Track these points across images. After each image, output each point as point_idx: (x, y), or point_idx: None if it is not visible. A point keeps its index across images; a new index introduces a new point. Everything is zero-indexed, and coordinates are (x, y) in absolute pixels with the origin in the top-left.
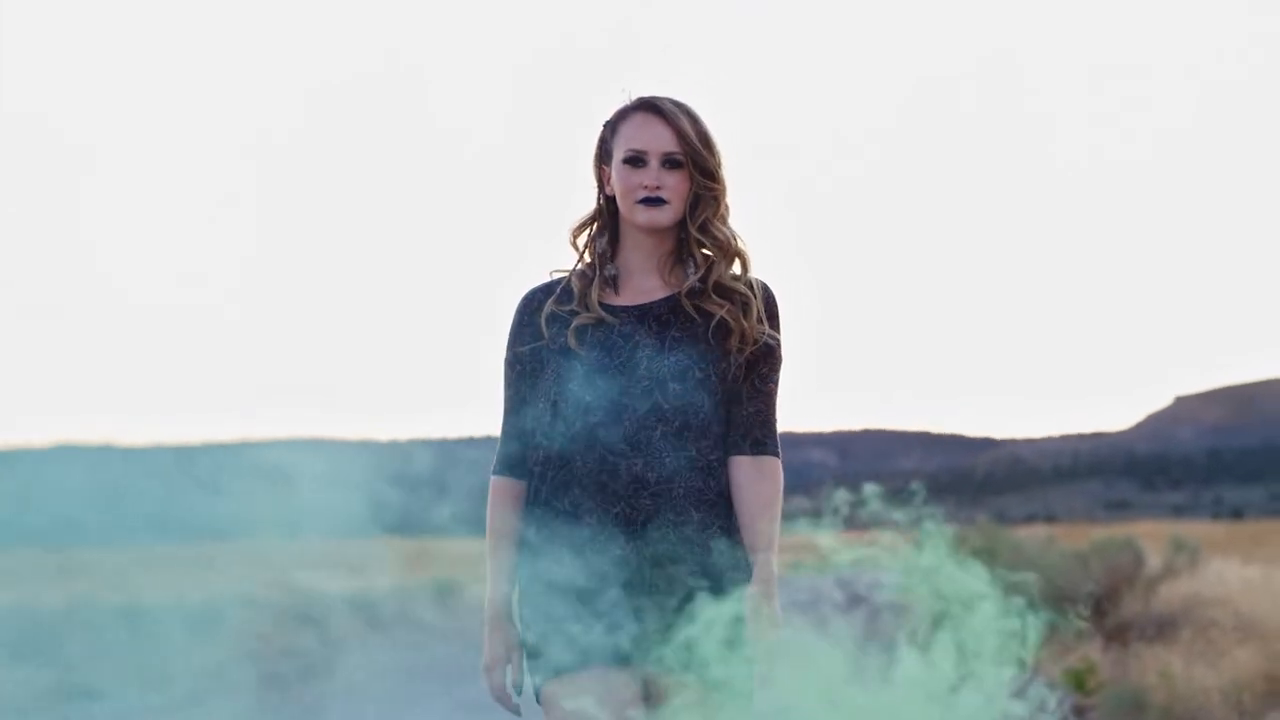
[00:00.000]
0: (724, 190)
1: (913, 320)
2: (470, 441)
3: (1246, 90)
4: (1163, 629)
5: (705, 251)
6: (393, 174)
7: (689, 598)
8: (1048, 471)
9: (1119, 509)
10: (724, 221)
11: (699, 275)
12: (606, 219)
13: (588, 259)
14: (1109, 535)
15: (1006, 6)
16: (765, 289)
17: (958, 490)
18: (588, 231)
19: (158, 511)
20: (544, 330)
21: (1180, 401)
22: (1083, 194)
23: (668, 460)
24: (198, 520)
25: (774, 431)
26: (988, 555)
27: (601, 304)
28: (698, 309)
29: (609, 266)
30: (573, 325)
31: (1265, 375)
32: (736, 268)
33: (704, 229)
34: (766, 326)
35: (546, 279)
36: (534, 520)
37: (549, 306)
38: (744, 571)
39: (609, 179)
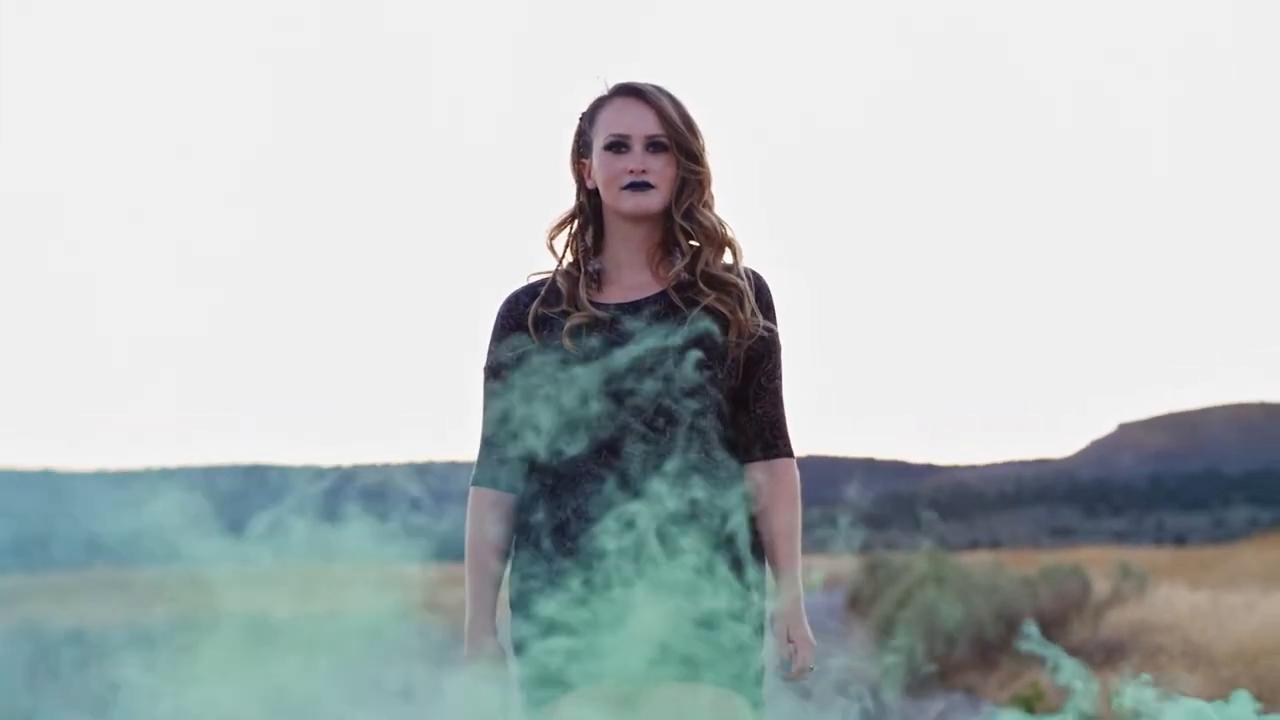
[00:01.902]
0: (709, 175)
1: (855, 345)
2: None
3: (1198, 123)
4: (1111, 655)
5: (692, 241)
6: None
7: (701, 609)
8: (992, 498)
9: (1063, 535)
10: (710, 208)
11: (685, 265)
12: (589, 215)
13: (570, 258)
14: (1055, 561)
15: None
16: (758, 279)
17: (901, 516)
18: (567, 230)
19: (98, 534)
20: (533, 334)
21: (1123, 428)
22: (1023, 224)
23: (674, 464)
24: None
25: (785, 431)
26: (936, 582)
27: (594, 302)
28: (689, 302)
29: (594, 262)
30: (567, 326)
31: (1207, 403)
32: (727, 257)
33: (689, 215)
34: (762, 318)
35: (525, 283)
36: (530, 535)
37: (536, 309)
38: (752, 587)
39: (589, 172)
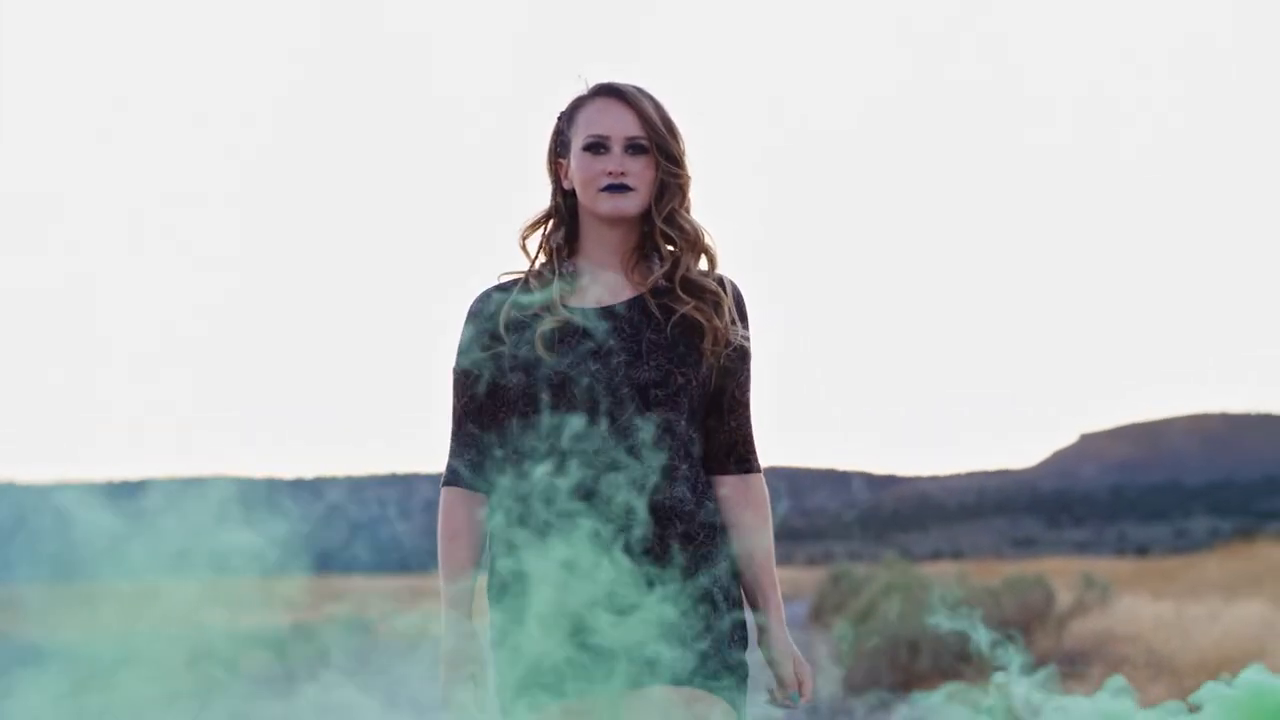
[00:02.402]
0: (689, 179)
1: (817, 356)
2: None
3: (1175, 135)
4: (1075, 665)
5: (670, 247)
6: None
7: (684, 620)
8: (954, 508)
9: (1025, 546)
10: (689, 213)
11: (664, 272)
12: (564, 216)
13: (543, 259)
14: (1018, 572)
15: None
16: (735, 287)
17: (864, 527)
18: (541, 230)
19: (58, 550)
20: (504, 336)
21: (1085, 439)
22: (987, 237)
23: (648, 472)
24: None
25: (754, 445)
26: (901, 591)
27: (566, 306)
28: (666, 309)
29: (567, 264)
30: (539, 330)
31: (1169, 413)
32: (704, 264)
33: (670, 220)
34: (741, 327)
35: (495, 282)
36: (502, 546)
37: (507, 310)
38: (731, 598)
39: (566, 172)
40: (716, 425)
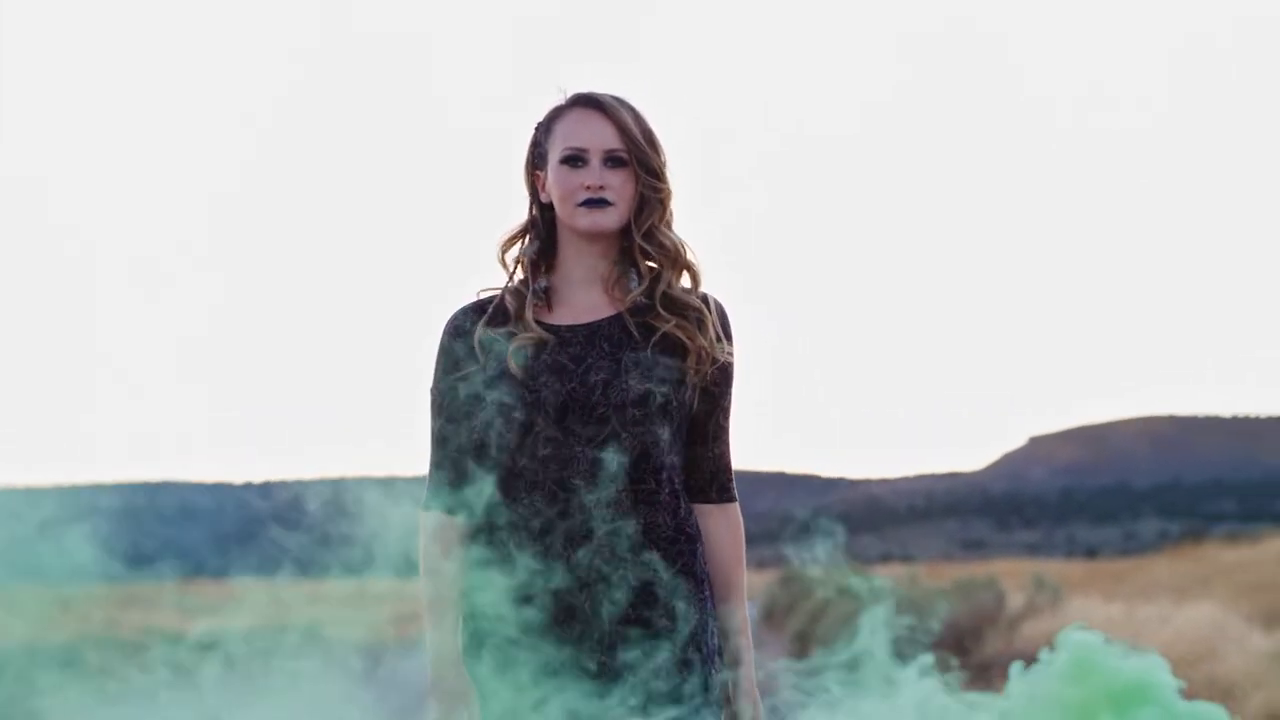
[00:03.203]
0: (670, 193)
1: (765, 358)
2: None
3: (1131, 144)
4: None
5: (650, 263)
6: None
7: (653, 650)
8: (903, 511)
9: (974, 548)
10: (670, 227)
11: (643, 289)
12: (541, 230)
13: (520, 275)
14: (968, 574)
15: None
16: (719, 305)
17: (814, 530)
18: (519, 244)
19: None
20: (478, 355)
21: (1034, 441)
22: (935, 240)
23: (623, 493)
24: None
25: (731, 474)
26: (849, 595)
27: (542, 323)
28: (646, 326)
29: (541, 279)
30: (512, 348)
31: (1118, 416)
32: (686, 281)
33: (650, 236)
34: (726, 345)
35: (473, 299)
36: (477, 567)
37: (481, 329)
38: (708, 629)
39: (544, 185)
40: (701, 452)
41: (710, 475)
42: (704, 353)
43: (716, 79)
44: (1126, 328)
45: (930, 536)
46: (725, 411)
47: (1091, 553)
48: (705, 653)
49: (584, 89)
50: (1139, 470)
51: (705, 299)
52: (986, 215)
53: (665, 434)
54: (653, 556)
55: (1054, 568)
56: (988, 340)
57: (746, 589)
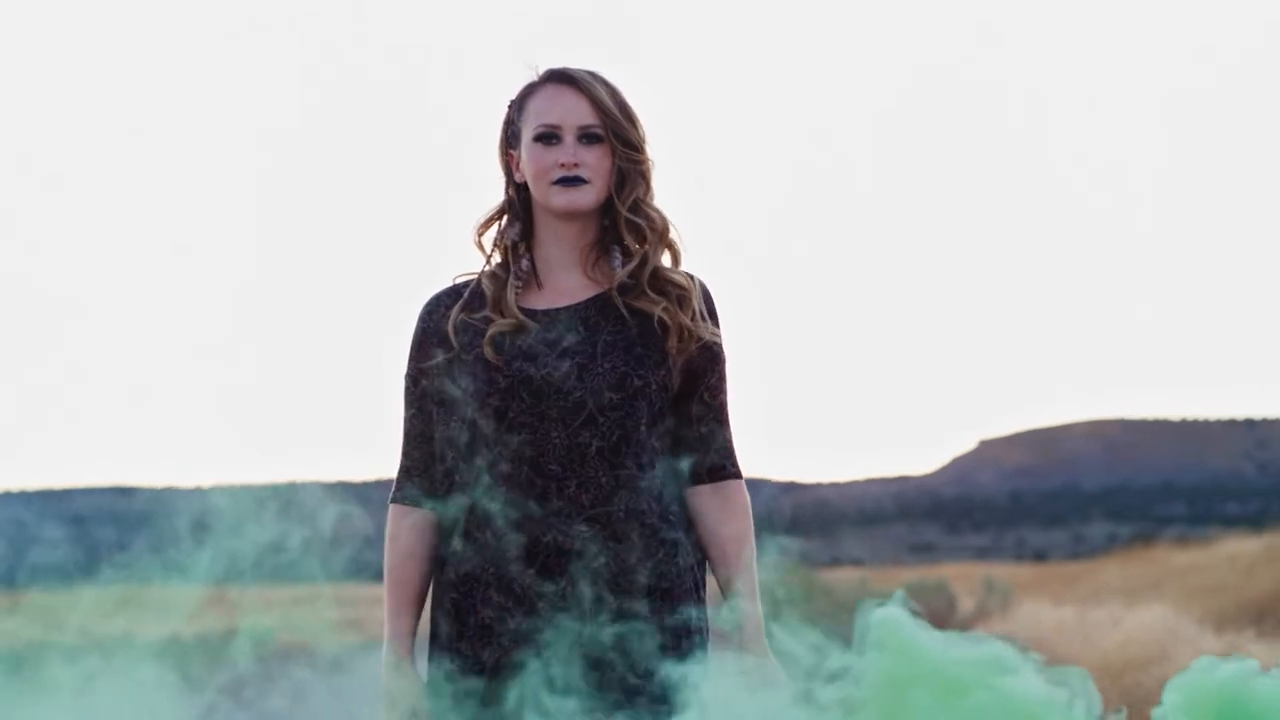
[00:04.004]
0: (650, 167)
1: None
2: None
3: (1072, 152)
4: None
5: (635, 239)
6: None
7: (641, 645)
8: (853, 515)
9: (924, 552)
10: (651, 203)
11: (631, 268)
12: (518, 210)
13: (498, 258)
14: (918, 577)
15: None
16: (703, 284)
17: (762, 534)
18: (496, 226)
19: None
20: (453, 341)
21: (984, 445)
22: (883, 241)
23: (604, 479)
24: None
25: (733, 451)
26: (802, 599)
27: (521, 307)
28: (628, 307)
29: (522, 261)
30: (488, 333)
31: (1067, 419)
32: (666, 258)
33: (636, 209)
34: (709, 324)
35: (450, 284)
36: (455, 567)
37: (457, 313)
38: (695, 607)
39: (518, 165)
40: (688, 433)
41: (700, 455)
42: (686, 331)
43: (712, 83)
44: (1075, 331)
45: (880, 540)
46: (712, 391)
47: (1041, 556)
48: (686, 645)
49: (557, 65)
50: (1088, 473)
51: (690, 277)
52: (934, 218)
53: (645, 417)
54: (636, 542)
55: (1004, 571)
56: (937, 344)
57: (755, 573)
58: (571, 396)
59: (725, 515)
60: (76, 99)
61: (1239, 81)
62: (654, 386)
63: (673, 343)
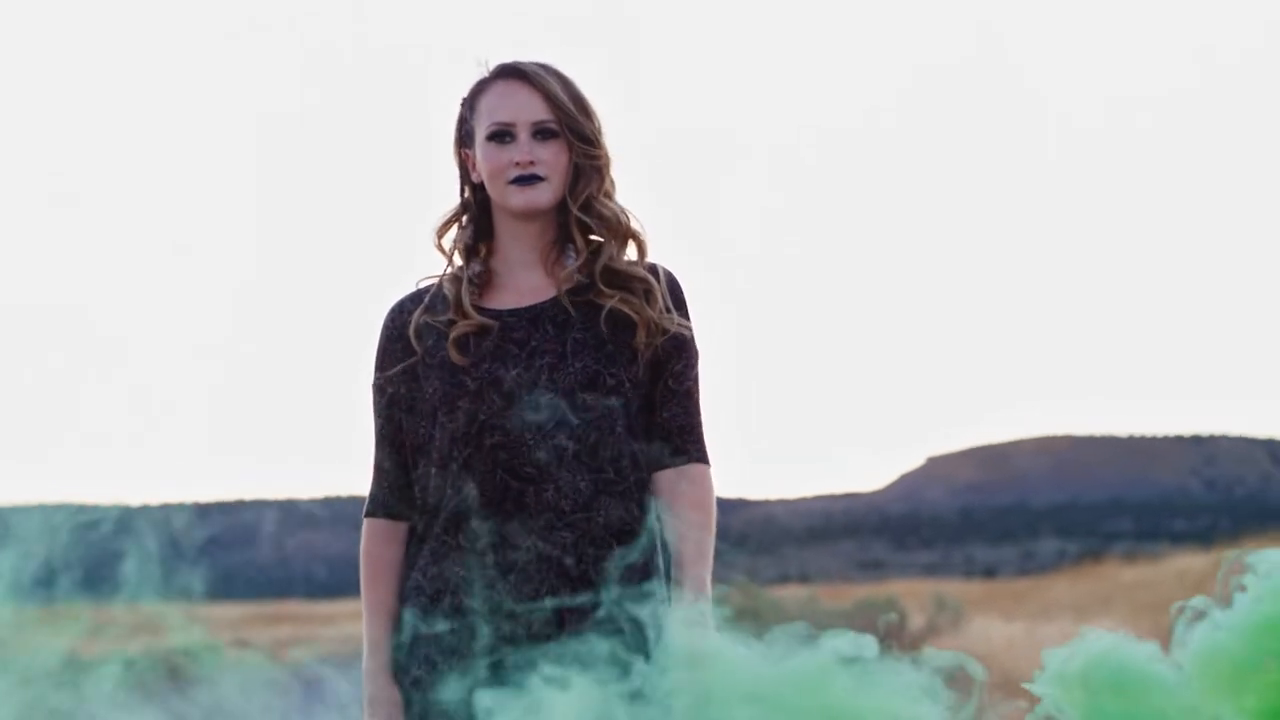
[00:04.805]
0: (608, 160)
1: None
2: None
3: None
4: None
5: (593, 237)
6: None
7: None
8: (801, 532)
9: (873, 569)
10: (610, 197)
11: (579, 264)
12: (475, 211)
13: (458, 260)
14: (868, 594)
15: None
16: (669, 275)
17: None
18: (455, 228)
19: None
20: (415, 345)
21: (932, 461)
22: (833, 259)
23: (583, 484)
24: None
25: (698, 435)
26: (751, 615)
27: (484, 309)
28: (591, 305)
29: (477, 263)
30: (451, 336)
31: (1015, 435)
32: (631, 252)
33: (588, 207)
34: (676, 315)
35: (413, 289)
36: (422, 570)
37: (419, 317)
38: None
39: (473, 164)
40: (651, 420)
41: (663, 439)
42: (653, 325)
43: (709, 87)
44: (1023, 348)
45: (828, 557)
46: (677, 377)
47: (990, 572)
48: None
49: (508, 59)
50: (1037, 490)
51: (654, 269)
52: (885, 235)
53: (621, 418)
54: (617, 550)
55: (953, 588)
56: (885, 360)
57: (709, 565)
58: (545, 396)
59: (681, 501)
60: (75, 98)
61: (1238, 82)
62: (627, 384)
63: (641, 337)
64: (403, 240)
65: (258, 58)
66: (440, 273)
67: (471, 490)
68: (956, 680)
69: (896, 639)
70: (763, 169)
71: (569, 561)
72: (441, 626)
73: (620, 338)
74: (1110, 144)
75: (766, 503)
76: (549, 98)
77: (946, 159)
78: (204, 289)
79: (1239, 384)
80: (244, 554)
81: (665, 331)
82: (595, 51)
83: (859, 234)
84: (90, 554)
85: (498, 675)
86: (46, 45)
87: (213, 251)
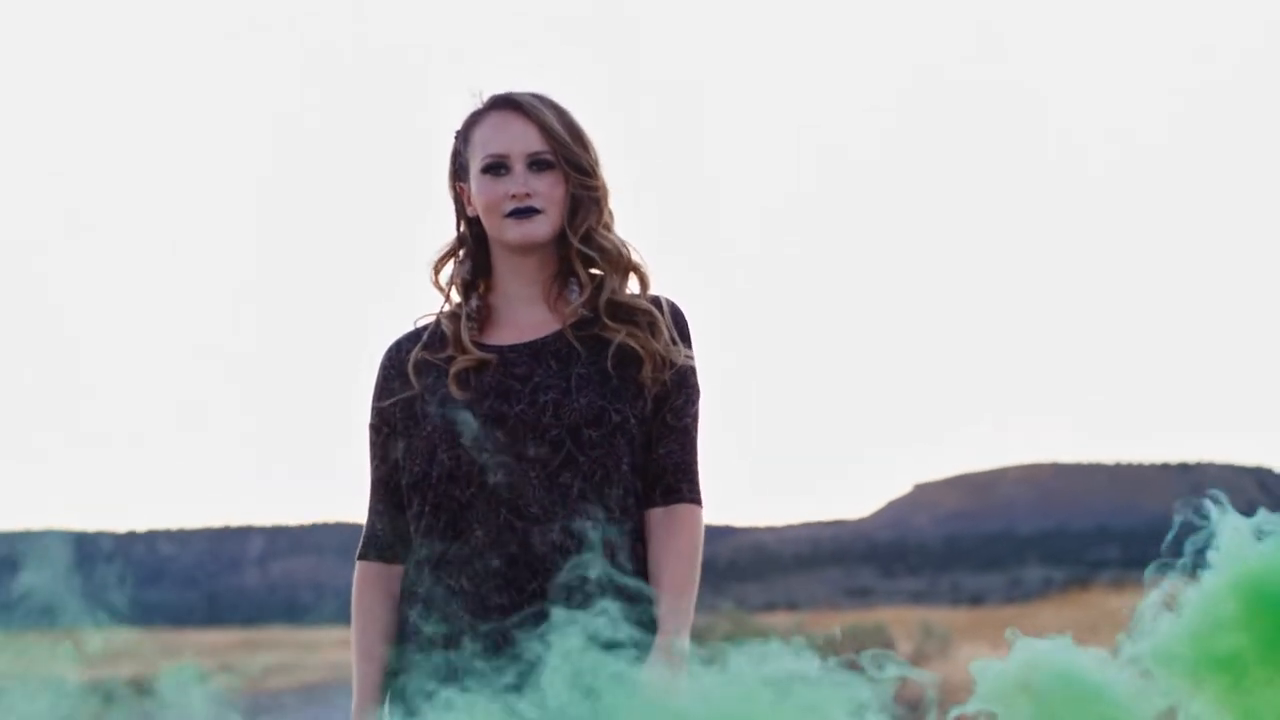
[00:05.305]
0: (606, 192)
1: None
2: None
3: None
4: (917, 715)
5: (594, 270)
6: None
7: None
8: (789, 559)
9: (860, 596)
10: (609, 229)
11: (585, 298)
12: (472, 246)
13: (456, 297)
14: (855, 621)
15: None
16: (673, 306)
17: (701, 578)
18: (451, 264)
19: None
20: (414, 382)
21: (919, 489)
22: (819, 287)
23: (589, 524)
24: None
25: (692, 474)
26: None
27: (484, 344)
28: (595, 339)
29: (475, 299)
30: (452, 372)
31: (1001, 463)
32: (634, 285)
33: (588, 239)
34: (683, 348)
35: (410, 328)
36: (418, 612)
37: (418, 354)
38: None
39: (469, 198)
40: (644, 458)
41: (655, 477)
42: (659, 359)
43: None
44: (1009, 375)
45: (816, 585)
46: (676, 413)
47: (976, 600)
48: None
49: (501, 90)
50: (1023, 517)
51: (657, 301)
52: (870, 261)
53: (627, 455)
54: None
55: (940, 615)
56: (872, 388)
57: (689, 608)
58: (548, 434)
59: (665, 540)
60: (76, 98)
61: (1240, 82)
62: (633, 421)
63: (647, 372)
64: (402, 240)
65: (258, 58)
66: (438, 310)
67: (475, 529)
68: (907, 693)
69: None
70: (760, 172)
71: (575, 605)
72: (439, 665)
73: (625, 373)
74: (1108, 164)
75: (755, 530)
76: (544, 128)
77: (934, 184)
78: (200, 294)
79: (1226, 412)
80: (229, 580)
81: (672, 364)
82: (595, 52)
83: (849, 265)
84: (73, 578)
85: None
86: (46, 45)
87: (211, 252)
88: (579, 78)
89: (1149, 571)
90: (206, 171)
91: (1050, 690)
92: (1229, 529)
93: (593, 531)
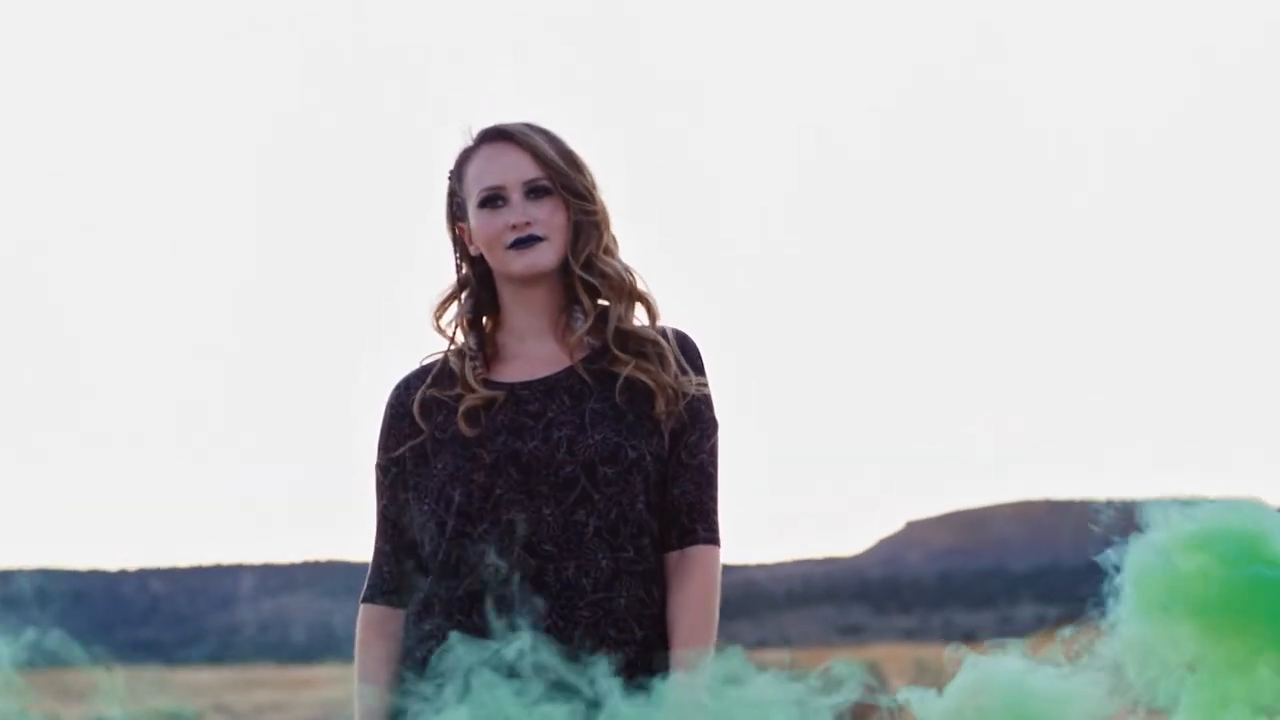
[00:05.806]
0: (606, 214)
1: None
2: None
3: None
4: None
5: (600, 300)
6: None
7: None
8: (780, 596)
9: (852, 633)
10: (612, 254)
11: (588, 327)
12: (475, 285)
13: (461, 337)
14: (848, 659)
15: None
16: (681, 336)
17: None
18: (455, 305)
19: None
20: (421, 423)
21: (911, 526)
22: (809, 319)
23: (604, 562)
24: None
25: (709, 514)
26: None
27: (494, 382)
28: (605, 373)
29: (471, 336)
30: (460, 410)
31: (994, 500)
32: (641, 315)
33: (590, 266)
34: (694, 377)
35: (417, 366)
36: (427, 651)
37: (426, 392)
38: None
39: (469, 236)
40: (659, 499)
41: (671, 519)
42: (671, 391)
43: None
44: (1001, 412)
45: (808, 622)
46: (690, 450)
47: (969, 637)
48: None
49: (490, 123)
50: (1016, 554)
51: (663, 332)
52: (861, 295)
53: (642, 494)
54: (638, 634)
55: (932, 652)
56: (864, 426)
57: (707, 650)
58: (562, 472)
59: (683, 583)
60: (76, 98)
61: (1240, 83)
62: (648, 458)
63: (660, 405)
64: (402, 240)
65: (258, 58)
66: (445, 348)
67: (487, 568)
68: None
69: (878, 704)
70: (713, 224)
71: (587, 643)
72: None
73: (639, 407)
74: (1109, 164)
75: (746, 567)
76: (537, 155)
77: (933, 184)
78: (200, 294)
79: (1221, 445)
80: (221, 618)
81: (685, 395)
82: (595, 52)
83: (838, 298)
84: (65, 619)
85: None
86: (46, 45)
87: (210, 252)
88: (579, 78)
89: (1090, 609)
90: (206, 171)
91: (1000, 704)
92: (1154, 515)
93: (609, 569)
